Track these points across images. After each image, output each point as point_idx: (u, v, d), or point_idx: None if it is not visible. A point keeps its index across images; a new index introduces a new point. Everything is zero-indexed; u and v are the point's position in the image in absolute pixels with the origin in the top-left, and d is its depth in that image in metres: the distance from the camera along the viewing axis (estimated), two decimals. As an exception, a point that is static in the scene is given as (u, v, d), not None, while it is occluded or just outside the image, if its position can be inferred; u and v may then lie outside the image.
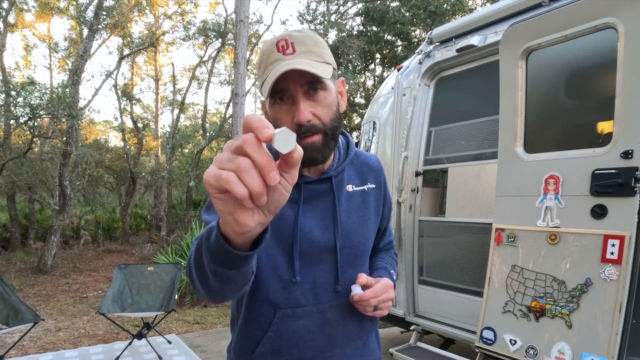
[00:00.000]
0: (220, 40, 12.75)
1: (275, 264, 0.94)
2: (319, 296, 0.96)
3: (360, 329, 1.03)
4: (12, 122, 8.57)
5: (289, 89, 0.85)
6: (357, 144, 4.26)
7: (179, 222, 11.20)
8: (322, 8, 12.49)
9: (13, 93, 7.89)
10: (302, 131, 0.85)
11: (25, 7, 13.01)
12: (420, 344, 2.96)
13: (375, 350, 1.10)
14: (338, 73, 0.99)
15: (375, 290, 0.94)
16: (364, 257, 1.04)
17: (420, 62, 3.25)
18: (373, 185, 1.05)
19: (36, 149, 10.74)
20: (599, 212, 1.96)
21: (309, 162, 0.89)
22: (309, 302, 0.96)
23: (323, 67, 0.85)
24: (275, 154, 0.49)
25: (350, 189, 1.01)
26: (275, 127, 0.84)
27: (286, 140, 0.48)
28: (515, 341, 2.21)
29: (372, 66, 13.38)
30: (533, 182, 2.23)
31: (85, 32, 9.39)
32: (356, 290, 0.93)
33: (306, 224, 0.94)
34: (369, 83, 13.23)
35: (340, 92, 0.96)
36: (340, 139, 1.06)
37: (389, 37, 12.45)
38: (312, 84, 0.85)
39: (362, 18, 12.09)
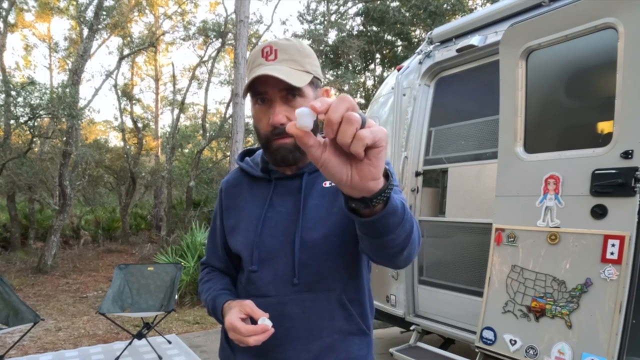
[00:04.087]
0: (220, 40, 12.74)
1: (242, 256, 1.04)
2: (278, 288, 0.99)
3: (330, 328, 0.98)
4: (12, 122, 8.56)
5: (267, 92, 0.92)
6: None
7: (179, 222, 11.20)
8: (322, 8, 12.49)
9: (13, 93, 7.89)
10: (275, 132, 0.93)
11: (25, 7, 13.00)
12: (420, 344, 2.96)
13: (359, 359, 1.01)
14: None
15: (326, 102, 0.54)
16: (335, 251, 0.97)
17: (420, 62, 3.25)
18: None
19: (36, 149, 10.73)
20: (599, 212, 1.96)
21: (281, 162, 0.97)
22: (270, 293, 1.00)
23: (299, 75, 0.91)
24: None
25: (327, 185, 1.02)
26: (256, 125, 0.98)
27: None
28: (515, 341, 2.21)
29: (372, 66, 13.38)
30: (533, 182, 2.23)
31: (85, 32, 9.39)
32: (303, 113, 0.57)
33: (273, 218, 1.01)
34: (369, 83, 13.24)
35: None
36: None
37: (389, 37, 12.45)
38: (290, 90, 0.91)
39: (362, 18, 12.09)
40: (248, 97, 0.96)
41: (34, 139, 9.19)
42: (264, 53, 0.91)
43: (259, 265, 1.00)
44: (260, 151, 1.10)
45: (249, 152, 1.16)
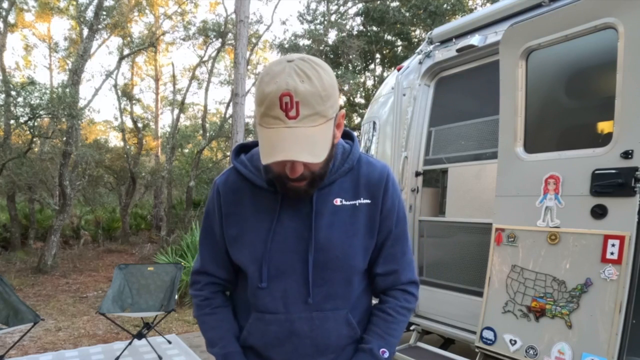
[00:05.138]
0: (220, 40, 12.74)
1: (248, 270, 0.99)
2: (289, 306, 0.97)
3: (336, 345, 1.01)
4: (12, 122, 8.56)
5: None
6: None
7: (179, 222, 11.19)
8: (322, 8, 12.49)
9: (13, 93, 7.89)
10: (291, 178, 0.87)
11: (25, 7, 12.99)
12: (420, 344, 2.96)
13: None
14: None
15: None
16: (346, 273, 1.00)
17: (420, 62, 3.25)
18: (367, 201, 0.99)
19: (36, 149, 10.73)
20: (599, 212, 1.96)
21: (293, 196, 0.93)
22: (278, 310, 0.98)
23: (323, 136, 0.82)
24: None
25: (338, 203, 0.97)
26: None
27: None
28: (515, 341, 2.21)
29: (372, 66, 13.38)
30: (533, 182, 2.23)
31: (85, 32, 9.38)
32: None
33: (281, 233, 0.96)
34: (369, 83, 13.23)
35: (338, 124, 0.93)
36: (341, 146, 1.02)
37: (389, 37, 12.44)
38: None
39: (362, 18, 12.08)
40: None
41: (34, 139, 9.19)
42: (282, 103, 0.78)
43: (268, 281, 0.97)
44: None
45: (244, 148, 1.07)
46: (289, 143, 0.78)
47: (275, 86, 0.78)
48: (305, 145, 0.79)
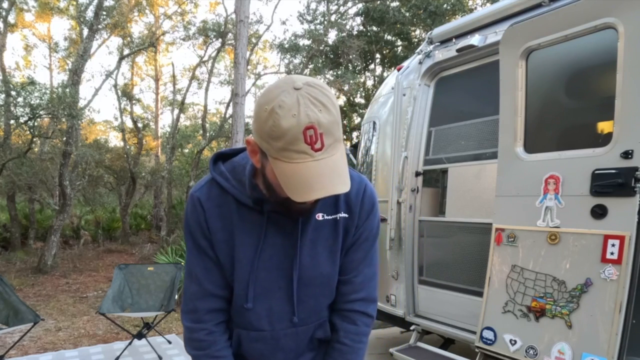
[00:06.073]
0: (220, 40, 12.73)
1: (236, 292, 0.98)
2: (274, 323, 0.98)
3: (312, 348, 1.05)
4: (12, 122, 8.56)
5: None
6: (356, 144, 4.24)
7: (179, 222, 11.20)
8: (322, 8, 12.48)
9: (13, 93, 7.89)
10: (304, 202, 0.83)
11: (25, 7, 12.98)
12: (420, 344, 2.96)
13: None
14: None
15: None
16: (330, 288, 1.01)
17: (420, 62, 3.25)
18: (345, 215, 0.98)
19: (36, 149, 10.72)
20: (599, 212, 1.96)
21: (295, 215, 0.92)
22: (263, 328, 0.98)
23: (343, 159, 0.80)
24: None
25: (320, 218, 0.96)
26: (275, 182, 0.83)
27: None
28: (515, 341, 2.21)
29: (372, 66, 13.37)
30: (533, 182, 2.23)
31: (85, 32, 9.38)
32: None
33: (267, 251, 0.94)
34: (369, 83, 13.23)
35: None
36: None
37: (389, 37, 12.44)
38: None
39: (362, 18, 12.08)
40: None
41: (34, 139, 9.19)
42: (307, 137, 0.74)
43: (253, 301, 0.96)
44: (247, 170, 0.94)
45: (222, 157, 1.02)
46: (323, 178, 0.76)
47: (295, 120, 0.74)
48: (335, 176, 0.77)
